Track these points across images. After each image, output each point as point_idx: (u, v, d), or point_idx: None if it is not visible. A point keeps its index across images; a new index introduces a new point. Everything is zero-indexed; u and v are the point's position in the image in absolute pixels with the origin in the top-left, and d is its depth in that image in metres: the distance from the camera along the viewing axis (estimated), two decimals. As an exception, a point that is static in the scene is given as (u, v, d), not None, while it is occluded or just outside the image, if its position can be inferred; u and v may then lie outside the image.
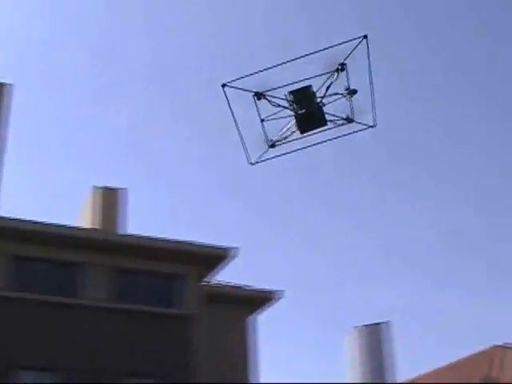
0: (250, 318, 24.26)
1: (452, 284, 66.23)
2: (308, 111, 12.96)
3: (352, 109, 13.61)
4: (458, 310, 66.81)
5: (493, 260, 68.36)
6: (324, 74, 12.72)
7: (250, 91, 12.66)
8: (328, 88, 12.82)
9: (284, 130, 13.17)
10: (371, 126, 13.78)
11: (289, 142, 13.28)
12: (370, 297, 58.86)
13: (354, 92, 13.25)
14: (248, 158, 13.42)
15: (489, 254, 68.31)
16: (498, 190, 69.53)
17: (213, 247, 21.76)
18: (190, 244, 21.46)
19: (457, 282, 67.62)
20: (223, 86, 12.85)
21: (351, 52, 12.52)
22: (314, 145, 13.78)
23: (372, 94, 13.12)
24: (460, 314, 65.88)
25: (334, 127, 13.32)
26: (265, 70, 12.57)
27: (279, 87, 13.01)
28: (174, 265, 21.61)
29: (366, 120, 14.58)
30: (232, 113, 12.85)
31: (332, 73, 12.67)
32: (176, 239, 21.40)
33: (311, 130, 13.50)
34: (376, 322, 41.81)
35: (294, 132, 13.22)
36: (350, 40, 12.44)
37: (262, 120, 13.05)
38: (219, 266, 22.32)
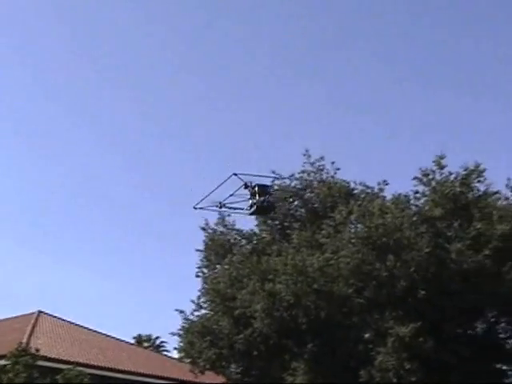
0: None
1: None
2: (267, 204, 20.56)
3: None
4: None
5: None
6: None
7: (245, 182, 20.21)
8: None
9: (237, 204, 20.52)
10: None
11: (233, 209, 20.83)
12: None
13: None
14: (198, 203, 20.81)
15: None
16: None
17: None
18: None
19: None
20: (235, 174, 19.90)
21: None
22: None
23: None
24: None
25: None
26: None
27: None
28: None
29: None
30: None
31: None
32: None
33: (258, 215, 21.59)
34: None
35: (244, 209, 20.77)
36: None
37: (231, 195, 20.35)
38: None
